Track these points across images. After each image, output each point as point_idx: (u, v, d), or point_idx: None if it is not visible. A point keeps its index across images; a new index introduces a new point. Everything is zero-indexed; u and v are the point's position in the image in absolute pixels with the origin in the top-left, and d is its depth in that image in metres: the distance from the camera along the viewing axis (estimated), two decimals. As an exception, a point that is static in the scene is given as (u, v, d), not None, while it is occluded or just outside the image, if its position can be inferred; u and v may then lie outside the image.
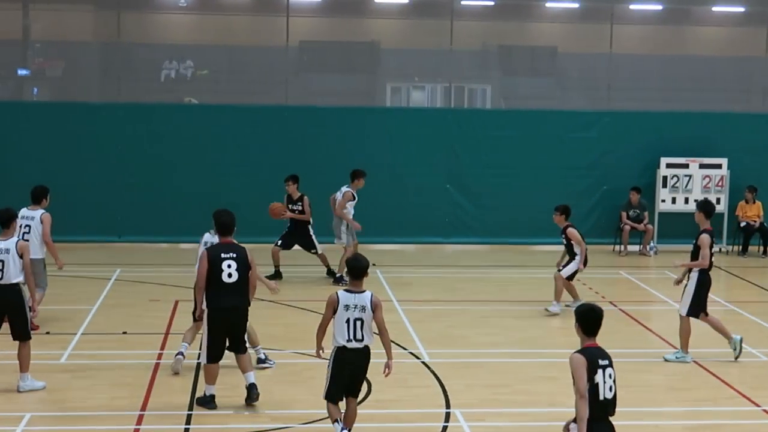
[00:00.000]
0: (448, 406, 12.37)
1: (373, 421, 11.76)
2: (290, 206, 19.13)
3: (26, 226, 15.16)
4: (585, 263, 17.07)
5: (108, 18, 26.49)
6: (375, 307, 10.60)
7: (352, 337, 10.49)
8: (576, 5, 30.64)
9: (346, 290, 10.62)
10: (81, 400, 12.36)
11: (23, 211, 15.24)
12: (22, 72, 26.61)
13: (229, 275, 11.68)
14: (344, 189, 19.18)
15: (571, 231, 16.98)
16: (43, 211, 15.43)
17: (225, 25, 28.37)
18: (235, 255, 11.79)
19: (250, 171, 22.44)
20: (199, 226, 19.67)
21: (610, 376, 8.53)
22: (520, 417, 12.18)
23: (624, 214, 23.14)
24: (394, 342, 14.68)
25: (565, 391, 13.21)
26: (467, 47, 27.51)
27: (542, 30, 31.00)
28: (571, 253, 17.14)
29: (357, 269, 10.56)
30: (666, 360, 14.34)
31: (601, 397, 8.46)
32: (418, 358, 14.38)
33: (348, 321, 10.47)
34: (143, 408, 12.07)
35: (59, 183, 21.84)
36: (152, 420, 11.74)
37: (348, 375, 10.64)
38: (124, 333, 15.22)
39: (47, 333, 15.13)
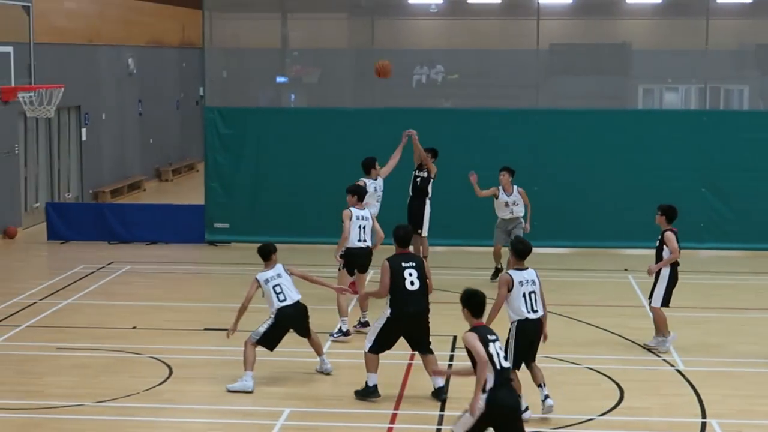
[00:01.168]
0: (704, 415, 12.07)
1: (624, 428, 11.64)
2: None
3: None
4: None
5: (362, 25, 27.17)
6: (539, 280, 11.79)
7: (530, 309, 11.59)
8: (842, -1, 29.19)
9: (515, 269, 11.76)
10: (337, 399, 12.76)
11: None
12: (280, 79, 27.50)
13: (412, 283, 12.45)
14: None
15: (669, 236, 14.61)
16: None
17: (475, 29, 28.52)
18: (414, 264, 12.58)
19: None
20: (448, 227, 20.29)
21: (501, 348, 9.57)
22: (781, 430, 11.76)
23: None
24: (648, 349, 14.48)
25: (830, 405, 12.68)
26: (723, 47, 26.65)
27: (804, 27, 29.70)
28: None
29: (522, 251, 11.83)
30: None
31: (498, 367, 9.40)
32: (672, 365, 14.08)
33: (524, 294, 11.59)
34: (396, 407, 12.34)
35: (315, 185, 22.64)
36: (405, 419, 12.00)
37: (528, 345, 11.67)
38: (378, 333, 15.53)
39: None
